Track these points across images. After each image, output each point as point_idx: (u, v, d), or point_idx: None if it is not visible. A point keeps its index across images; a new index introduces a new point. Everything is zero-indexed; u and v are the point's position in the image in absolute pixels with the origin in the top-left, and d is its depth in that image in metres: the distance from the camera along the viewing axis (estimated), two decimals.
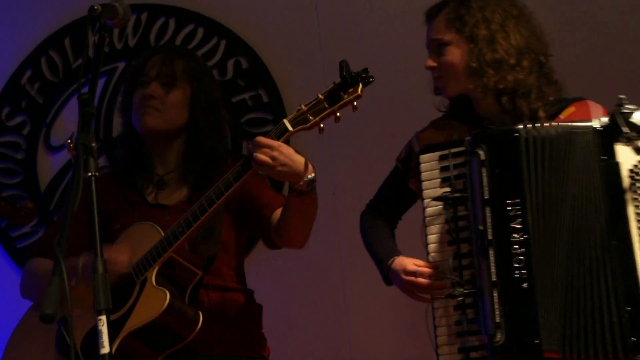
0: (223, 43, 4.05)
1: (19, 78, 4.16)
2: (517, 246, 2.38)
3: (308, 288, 3.92)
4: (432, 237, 2.52)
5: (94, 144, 2.10)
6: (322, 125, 2.46)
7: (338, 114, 2.45)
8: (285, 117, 3.87)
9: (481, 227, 2.40)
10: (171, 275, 2.65)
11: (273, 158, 2.48)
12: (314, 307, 3.90)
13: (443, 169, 2.53)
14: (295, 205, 2.62)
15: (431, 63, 2.62)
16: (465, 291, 2.45)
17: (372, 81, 2.43)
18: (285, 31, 4.01)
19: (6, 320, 3.83)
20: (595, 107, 2.57)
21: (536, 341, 2.35)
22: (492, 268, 2.38)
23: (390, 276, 2.63)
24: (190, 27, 4.08)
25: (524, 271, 2.37)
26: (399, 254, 2.64)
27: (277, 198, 2.78)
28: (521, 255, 2.38)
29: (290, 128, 2.48)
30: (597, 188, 2.39)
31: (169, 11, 4.11)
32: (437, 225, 2.52)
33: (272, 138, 2.49)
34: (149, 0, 4.11)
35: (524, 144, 2.41)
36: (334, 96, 2.44)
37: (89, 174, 2.08)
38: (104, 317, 1.99)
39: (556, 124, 2.45)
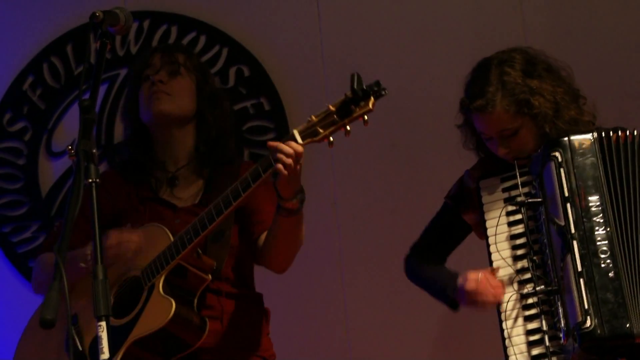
0: (225, 51, 4.06)
1: (21, 84, 4.16)
2: (600, 239, 2.47)
3: (309, 295, 3.91)
4: (504, 253, 2.59)
5: (94, 151, 2.11)
6: (331, 139, 2.41)
7: (348, 128, 2.38)
8: (286, 125, 3.95)
9: (562, 223, 2.48)
10: (179, 282, 2.63)
11: (290, 165, 2.42)
12: (315, 313, 3.90)
13: (505, 190, 2.62)
14: (282, 226, 2.60)
15: (505, 150, 2.63)
16: (548, 288, 2.50)
17: (384, 94, 2.36)
18: (287, 39, 4.02)
19: (8, 323, 3.84)
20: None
21: (627, 325, 2.40)
22: (577, 260, 2.45)
23: (457, 295, 2.64)
24: (192, 34, 4.09)
25: (609, 261, 2.45)
26: (458, 274, 2.67)
27: (272, 217, 2.73)
28: (605, 247, 2.47)
29: (300, 141, 2.43)
30: None
31: (171, 19, 4.12)
32: (504, 243, 2.59)
33: None
34: (151, 7, 4.13)
35: (598, 147, 2.54)
36: (344, 109, 2.37)
37: (90, 180, 2.07)
38: (103, 324, 1.99)
39: (623, 133, 2.56)
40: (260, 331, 2.81)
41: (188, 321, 2.61)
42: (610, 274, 2.44)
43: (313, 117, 2.41)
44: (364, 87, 2.34)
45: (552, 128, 2.61)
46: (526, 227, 2.57)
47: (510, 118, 2.60)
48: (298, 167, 2.44)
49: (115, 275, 2.64)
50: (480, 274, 2.58)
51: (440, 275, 2.73)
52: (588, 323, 2.41)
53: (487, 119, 2.61)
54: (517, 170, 2.60)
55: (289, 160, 2.42)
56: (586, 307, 2.42)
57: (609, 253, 2.46)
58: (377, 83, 2.36)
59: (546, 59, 2.69)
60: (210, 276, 2.65)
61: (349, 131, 2.38)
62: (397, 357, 3.83)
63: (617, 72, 3.76)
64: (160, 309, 2.58)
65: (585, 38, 3.78)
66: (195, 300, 2.64)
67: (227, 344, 2.72)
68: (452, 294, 2.65)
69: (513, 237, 2.60)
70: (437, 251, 2.82)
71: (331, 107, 2.38)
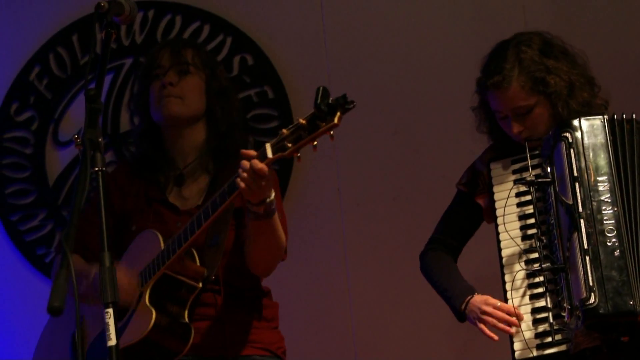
0: (229, 40, 4.05)
1: (28, 74, 4.17)
2: (607, 218, 2.50)
3: (313, 281, 3.92)
4: (512, 233, 2.60)
5: (100, 140, 2.11)
6: (298, 155, 2.34)
7: (315, 143, 2.30)
8: (290, 113, 3.95)
9: (570, 202, 2.50)
10: (168, 291, 2.63)
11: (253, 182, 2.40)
12: (318, 302, 3.91)
13: (515, 172, 2.65)
14: (253, 229, 2.58)
15: (519, 128, 2.64)
16: (553, 266, 2.51)
17: (351, 108, 2.26)
18: (290, 28, 4.02)
19: (17, 309, 3.86)
20: None
21: (631, 303, 2.42)
22: (584, 237, 2.47)
23: (466, 311, 2.65)
24: (196, 24, 4.08)
25: (615, 240, 2.47)
26: (476, 291, 2.68)
27: None
28: (611, 226, 2.49)
29: (270, 155, 2.38)
30: None
31: (176, 8, 4.11)
32: (513, 223, 2.61)
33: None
34: None
35: (609, 129, 2.55)
36: (312, 124, 2.28)
37: (96, 168, 2.08)
38: (110, 310, 2.00)
39: (633, 116, 2.58)
40: (269, 326, 2.81)
41: (170, 331, 2.59)
42: (615, 253, 2.46)
43: (284, 131, 2.34)
44: (330, 102, 2.25)
45: (564, 108, 2.62)
46: (535, 207, 2.59)
47: (526, 95, 2.61)
48: (260, 181, 2.39)
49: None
50: (494, 300, 2.60)
51: (453, 283, 2.73)
52: (592, 299, 2.42)
53: (503, 95, 2.62)
54: (527, 152, 2.61)
55: (244, 175, 2.40)
56: (591, 284, 2.43)
57: (615, 232, 2.47)
58: (344, 97, 2.26)
59: (563, 44, 2.71)
60: (200, 284, 2.63)
61: (315, 146, 2.31)
62: (402, 343, 3.84)
63: (620, 61, 3.74)
64: (143, 319, 2.58)
65: (587, 31, 3.76)
66: (186, 310, 2.63)
67: (230, 341, 2.72)
68: (462, 308, 2.66)
69: (522, 217, 2.62)
70: (456, 238, 2.82)
71: (302, 121, 2.30)
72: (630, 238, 2.48)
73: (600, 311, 2.42)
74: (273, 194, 2.49)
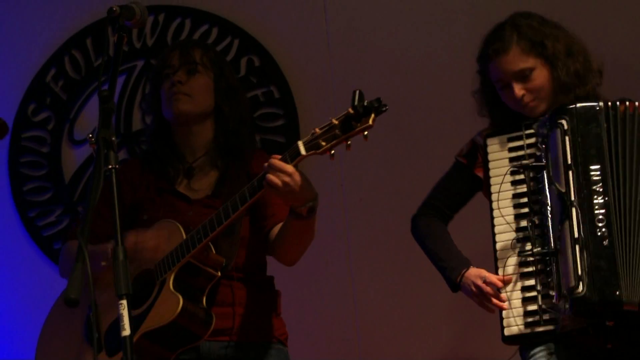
0: (236, 42, 4.05)
1: (44, 76, 4.17)
2: (598, 207, 2.45)
3: (317, 275, 3.90)
4: (505, 210, 2.57)
5: (114, 138, 2.11)
6: (332, 152, 2.40)
7: (349, 142, 2.37)
8: (295, 112, 3.95)
9: (563, 189, 2.46)
10: (189, 278, 2.64)
11: (284, 183, 2.43)
12: (323, 293, 3.90)
13: (511, 150, 2.60)
14: (292, 227, 2.60)
15: (521, 91, 2.62)
16: (544, 250, 2.49)
17: (384, 110, 2.34)
18: (295, 31, 4.01)
19: (34, 303, 3.86)
20: None
21: (617, 293, 2.39)
22: (575, 226, 2.44)
23: (461, 283, 2.63)
24: (205, 27, 4.08)
25: (605, 230, 2.43)
26: (470, 263, 2.66)
27: (283, 210, 2.70)
28: (602, 216, 2.45)
29: (303, 152, 2.42)
30: None
31: (185, 12, 4.11)
32: (505, 194, 2.58)
33: (286, 160, 2.46)
34: (166, 2, 4.12)
35: (604, 117, 2.51)
36: (346, 124, 2.35)
37: (110, 166, 2.08)
38: (124, 302, 1.99)
39: (630, 104, 2.53)
40: (271, 313, 2.82)
41: (195, 316, 2.61)
42: (604, 242, 2.43)
43: (317, 130, 2.40)
44: (365, 104, 2.33)
45: (563, 70, 2.61)
46: (528, 187, 2.56)
47: (526, 57, 2.61)
48: (288, 180, 2.43)
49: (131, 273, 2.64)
50: (486, 276, 2.58)
51: (448, 254, 2.71)
52: (580, 288, 2.40)
53: (504, 60, 2.61)
54: (523, 130, 2.60)
55: (272, 178, 2.43)
56: (579, 273, 2.41)
57: (605, 221, 2.44)
58: (378, 100, 2.34)
59: (559, 23, 2.73)
60: (219, 273, 2.65)
61: (349, 145, 2.38)
62: (405, 336, 3.82)
63: (614, 49, 3.71)
64: (169, 305, 2.59)
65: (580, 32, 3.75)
66: (204, 296, 2.65)
67: (240, 327, 2.73)
68: (457, 279, 2.64)
69: (516, 196, 2.59)
70: (450, 207, 2.80)
71: (334, 121, 2.37)
72: (621, 227, 2.45)
73: (588, 300, 2.40)
74: (315, 201, 2.51)
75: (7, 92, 4.17)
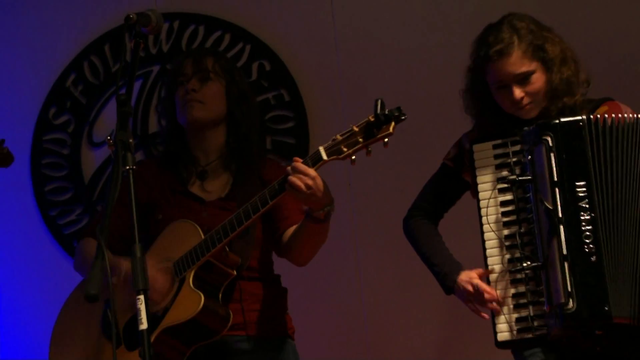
0: (248, 47, 4.05)
1: (64, 81, 4.19)
2: (585, 223, 2.41)
3: (325, 273, 3.87)
4: (490, 218, 2.53)
5: (131, 140, 2.13)
6: (354, 157, 2.43)
7: (369, 149, 2.41)
8: (305, 114, 3.94)
9: (550, 207, 2.42)
10: (207, 276, 2.65)
11: (307, 186, 2.45)
12: (330, 292, 3.89)
13: (497, 157, 2.57)
14: (308, 230, 2.62)
15: (521, 94, 2.58)
16: (533, 264, 2.46)
17: (404, 119, 2.38)
18: (304, 36, 4.02)
19: (55, 298, 3.84)
20: (625, 107, 2.60)
21: (606, 308, 2.38)
22: (563, 243, 2.41)
23: (455, 287, 2.61)
24: (218, 33, 4.08)
25: (592, 246, 2.40)
26: (462, 266, 2.63)
27: (297, 213, 2.74)
28: (589, 232, 2.41)
29: (325, 157, 2.45)
30: None
31: (199, 19, 4.12)
32: (493, 208, 2.54)
33: (307, 164, 2.47)
34: (181, 9, 4.13)
35: (587, 132, 2.46)
36: (367, 131, 2.39)
37: (127, 167, 2.10)
38: (142, 297, 2.01)
39: (612, 116, 2.48)
40: (279, 309, 2.83)
41: (214, 313, 2.63)
42: (592, 258, 2.40)
43: (338, 136, 2.43)
44: (387, 113, 2.36)
45: (557, 74, 2.57)
46: (515, 202, 2.51)
47: (528, 61, 2.56)
48: (311, 183, 2.44)
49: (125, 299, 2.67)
50: (477, 282, 2.54)
51: (440, 258, 2.68)
52: (570, 305, 2.38)
53: (506, 62, 2.56)
54: (509, 138, 2.54)
55: (295, 180, 2.45)
56: (569, 289, 2.39)
57: (592, 238, 2.40)
58: (398, 109, 2.38)
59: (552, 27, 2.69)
60: (235, 272, 2.67)
61: (369, 152, 2.41)
62: (412, 331, 3.81)
63: (611, 52, 3.66)
64: (190, 301, 2.60)
65: (578, 35, 3.73)
66: (221, 293, 2.66)
67: (250, 322, 2.74)
68: (450, 284, 2.61)
69: (504, 213, 2.54)
70: (437, 209, 2.77)
71: (355, 128, 2.40)
72: (608, 242, 2.41)
73: (579, 317, 2.38)
74: (332, 205, 2.54)
75: (30, 97, 4.19)
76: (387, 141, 2.38)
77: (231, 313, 2.65)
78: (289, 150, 3.92)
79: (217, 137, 2.85)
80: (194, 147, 2.86)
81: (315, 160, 2.46)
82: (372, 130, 2.38)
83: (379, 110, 2.36)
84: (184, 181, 2.83)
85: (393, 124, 2.36)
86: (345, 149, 2.41)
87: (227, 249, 2.67)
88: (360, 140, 2.39)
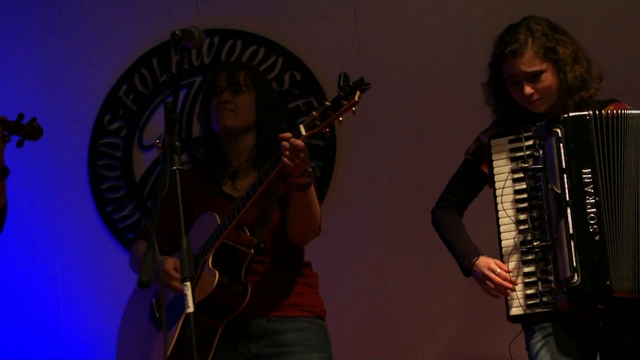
0: (280, 60, 4.11)
1: (117, 91, 4.26)
2: (590, 206, 2.49)
3: (351, 259, 3.92)
4: (506, 205, 2.59)
5: (177, 143, 2.17)
6: (327, 130, 2.45)
7: (341, 119, 2.42)
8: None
9: (559, 191, 2.50)
10: (228, 257, 2.69)
11: (301, 159, 2.48)
12: (357, 280, 3.91)
13: (512, 150, 2.63)
14: (295, 200, 2.65)
15: (531, 90, 2.63)
16: (543, 244, 2.54)
17: (367, 88, 2.36)
18: (331, 50, 4.06)
19: (111, 287, 3.94)
20: (629, 108, 2.65)
21: (607, 282, 2.44)
22: (570, 224, 2.48)
23: (472, 270, 2.67)
24: (253, 47, 4.15)
25: (596, 227, 2.47)
26: (482, 253, 2.69)
27: None
28: (593, 214, 2.48)
29: (304, 132, 2.48)
30: None
31: (236, 35, 4.18)
32: (508, 196, 2.60)
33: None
34: (220, 26, 4.19)
35: (593, 125, 2.53)
36: (336, 103, 2.40)
37: (174, 167, 2.13)
38: (188, 283, 2.05)
39: (615, 111, 2.55)
40: (308, 291, 2.84)
41: (230, 288, 2.65)
42: (596, 238, 2.47)
43: (314, 113, 2.46)
44: (350, 84, 2.36)
45: (569, 74, 2.62)
46: (528, 188, 2.58)
47: (540, 61, 2.61)
48: (302, 155, 2.49)
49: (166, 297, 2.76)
50: (495, 265, 2.59)
51: (462, 243, 2.74)
52: (575, 279, 2.45)
53: (519, 61, 2.61)
54: (522, 134, 2.61)
55: (287, 153, 2.49)
56: (574, 265, 2.45)
57: (596, 219, 2.47)
58: (362, 79, 2.37)
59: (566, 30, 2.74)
60: (252, 250, 2.69)
61: (341, 121, 2.41)
62: (433, 312, 3.83)
63: (617, 53, 3.67)
64: (208, 280, 2.64)
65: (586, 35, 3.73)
66: (243, 272, 2.69)
67: (276, 303, 2.76)
68: (469, 267, 2.67)
69: (518, 200, 2.61)
70: (464, 199, 2.82)
71: (327, 103, 2.43)
72: (610, 223, 2.48)
73: (582, 289, 2.45)
74: (309, 168, 2.58)
75: (86, 105, 4.27)
76: (355, 110, 2.37)
77: (249, 289, 2.67)
78: (316, 152, 3.99)
79: (247, 142, 2.89)
80: (227, 151, 2.91)
81: (297, 136, 2.48)
82: (340, 102, 2.38)
83: (342, 83, 2.35)
84: (218, 182, 2.88)
85: (358, 93, 2.34)
86: (318, 122, 2.43)
87: (247, 231, 2.70)
88: (330, 113, 2.40)
